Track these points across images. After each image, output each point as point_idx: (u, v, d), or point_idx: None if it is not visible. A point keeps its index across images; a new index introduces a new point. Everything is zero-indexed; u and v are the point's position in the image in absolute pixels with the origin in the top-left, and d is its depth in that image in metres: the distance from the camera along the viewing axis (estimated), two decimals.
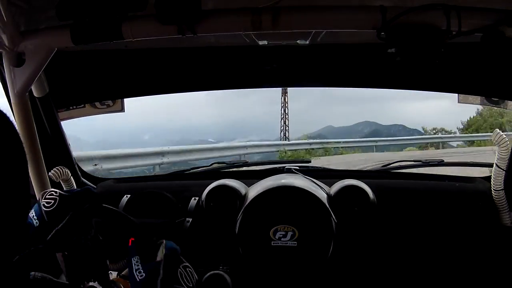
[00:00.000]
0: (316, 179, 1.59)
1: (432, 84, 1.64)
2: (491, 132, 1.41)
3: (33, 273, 1.21)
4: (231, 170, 1.94)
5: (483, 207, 1.54)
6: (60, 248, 1.02)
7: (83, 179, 1.73)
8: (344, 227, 1.46)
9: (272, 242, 1.42)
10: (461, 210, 1.55)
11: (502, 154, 1.42)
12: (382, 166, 1.96)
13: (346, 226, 1.47)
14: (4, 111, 0.52)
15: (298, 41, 1.42)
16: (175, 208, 1.57)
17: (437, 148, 13.01)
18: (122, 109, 1.74)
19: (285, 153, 9.87)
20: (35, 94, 1.42)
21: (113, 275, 1.23)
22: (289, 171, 1.74)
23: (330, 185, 1.59)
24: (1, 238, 0.47)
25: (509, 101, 1.63)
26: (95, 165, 4.61)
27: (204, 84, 1.73)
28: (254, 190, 1.54)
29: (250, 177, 1.68)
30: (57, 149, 1.59)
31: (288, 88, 10.75)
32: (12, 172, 0.50)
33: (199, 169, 1.98)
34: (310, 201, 1.47)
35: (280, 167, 1.83)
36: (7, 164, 0.49)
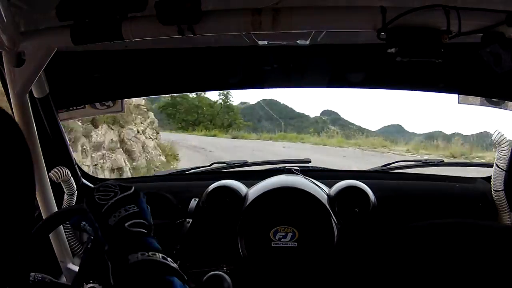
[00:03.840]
0: (316, 179, 1.59)
1: (432, 84, 1.65)
2: None
3: (33, 273, 1.21)
4: (231, 170, 1.95)
5: (483, 207, 1.54)
6: None
7: (83, 179, 1.73)
8: (344, 227, 1.46)
9: (272, 242, 1.42)
10: (461, 211, 1.55)
11: (502, 154, 1.42)
12: (382, 166, 1.96)
13: (346, 226, 1.47)
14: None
15: (298, 41, 1.42)
16: (175, 209, 1.57)
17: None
18: (122, 110, 1.74)
19: None
20: (35, 94, 1.42)
21: None
22: (289, 171, 1.74)
23: (330, 185, 1.59)
24: (6, 241, 0.47)
25: (509, 102, 1.63)
26: None
27: (204, 84, 1.73)
28: (255, 191, 1.54)
29: (250, 178, 1.69)
30: (57, 150, 1.59)
31: None
32: (18, 174, 0.49)
33: (199, 169, 1.98)
34: (310, 202, 1.47)
35: (280, 168, 1.83)
36: (13, 166, 0.49)
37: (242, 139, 15.56)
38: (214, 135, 16.80)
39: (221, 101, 22.01)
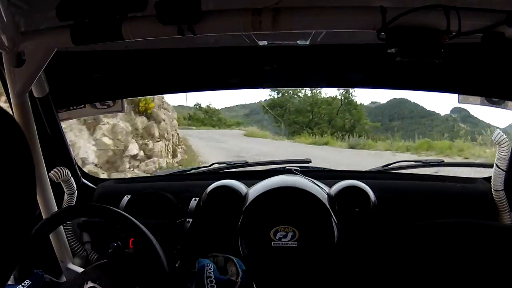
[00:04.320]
0: (316, 179, 1.59)
1: (432, 84, 1.65)
2: None
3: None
4: (231, 170, 1.95)
5: (483, 207, 1.54)
6: None
7: (83, 179, 1.73)
8: (344, 227, 1.46)
9: (273, 242, 1.42)
10: (462, 211, 1.55)
11: (502, 154, 1.42)
12: (382, 166, 1.96)
13: (347, 226, 1.48)
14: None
15: (298, 41, 1.42)
16: (176, 209, 1.57)
17: None
18: (122, 109, 1.74)
19: None
20: (35, 94, 1.43)
21: None
22: (289, 171, 1.75)
23: (330, 185, 1.59)
24: (7, 240, 0.47)
25: (509, 102, 1.63)
26: None
27: (205, 84, 1.73)
28: (255, 191, 1.54)
29: (251, 178, 1.69)
30: (57, 150, 1.59)
31: None
32: (19, 173, 0.49)
33: (200, 169, 1.98)
34: (310, 202, 1.47)
35: (280, 168, 1.83)
36: (14, 165, 0.49)
37: (363, 150, 10.93)
38: (326, 143, 12.15)
39: (341, 96, 17.14)
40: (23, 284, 1.03)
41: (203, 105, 21.32)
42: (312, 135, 14.10)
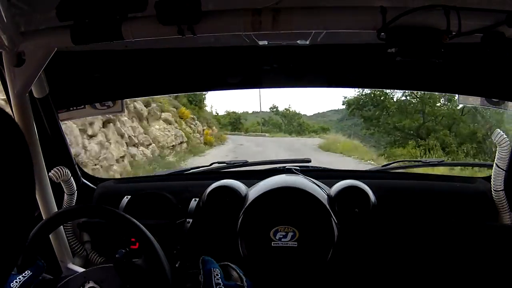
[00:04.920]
0: (316, 179, 1.60)
1: (432, 84, 1.65)
2: None
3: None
4: (231, 170, 1.95)
5: (483, 207, 1.54)
6: None
7: (83, 179, 1.73)
8: (344, 227, 1.47)
9: (273, 242, 1.42)
10: (462, 211, 1.55)
11: (502, 154, 1.42)
12: (382, 166, 1.96)
13: (347, 226, 1.48)
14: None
15: (298, 41, 1.42)
16: (176, 209, 1.57)
17: None
18: (122, 110, 1.73)
19: None
20: (35, 94, 1.42)
21: None
22: (289, 171, 1.75)
23: (330, 185, 1.59)
24: (6, 240, 0.47)
25: (509, 102, 1.63)
26: None
27: (204, 84, 1.73)
28: (255, 191, 1.54)
29: (250, 177, 1.69)
30: (57, 150, 1.59)
31: None
32: (18, 173, 0.49)
33: (199, 169, 1.98)
34: (310, 202, 1.47)
35: (280, 167, 1.83)
36: (13, 165, 0.49)
37: None
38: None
39: None
40: (23, 274, 1.03)
41: (281, 109, 18.70)
42: (426, 152, 9.22)
